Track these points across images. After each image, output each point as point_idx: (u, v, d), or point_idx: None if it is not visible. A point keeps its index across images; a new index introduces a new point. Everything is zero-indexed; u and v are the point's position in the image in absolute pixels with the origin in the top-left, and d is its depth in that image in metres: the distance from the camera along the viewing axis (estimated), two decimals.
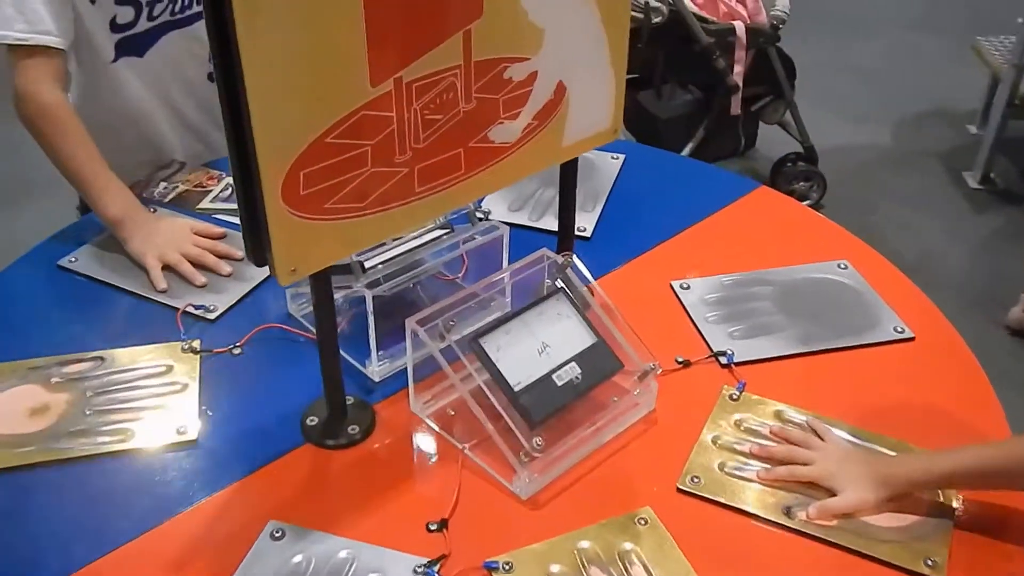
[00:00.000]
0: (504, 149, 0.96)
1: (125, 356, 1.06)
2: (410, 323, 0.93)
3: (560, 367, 0.94)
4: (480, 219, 1.36)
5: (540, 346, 0.95)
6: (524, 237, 1.29)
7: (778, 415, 0.98)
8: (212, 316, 1.13)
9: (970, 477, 0.86)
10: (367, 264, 1.03)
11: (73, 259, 1.22)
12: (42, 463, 0.92)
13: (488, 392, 0.90)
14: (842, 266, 1.21)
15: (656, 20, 2.38)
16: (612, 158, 1.49)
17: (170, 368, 1.05)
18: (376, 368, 1.04)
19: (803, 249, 1.26)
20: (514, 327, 0.95)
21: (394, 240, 1.06)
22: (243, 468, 0.93)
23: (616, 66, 1.02)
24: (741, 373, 1.04)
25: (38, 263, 1.22)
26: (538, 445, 0.88)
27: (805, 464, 0.89)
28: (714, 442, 0.94)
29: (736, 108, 2.51)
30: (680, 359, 1.06)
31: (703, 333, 1.10)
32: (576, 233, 1.30)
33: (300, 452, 0.95)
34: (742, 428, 0.96)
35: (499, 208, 1.36)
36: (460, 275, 1.18)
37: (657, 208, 1.38)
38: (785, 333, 1.10)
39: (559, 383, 0.93)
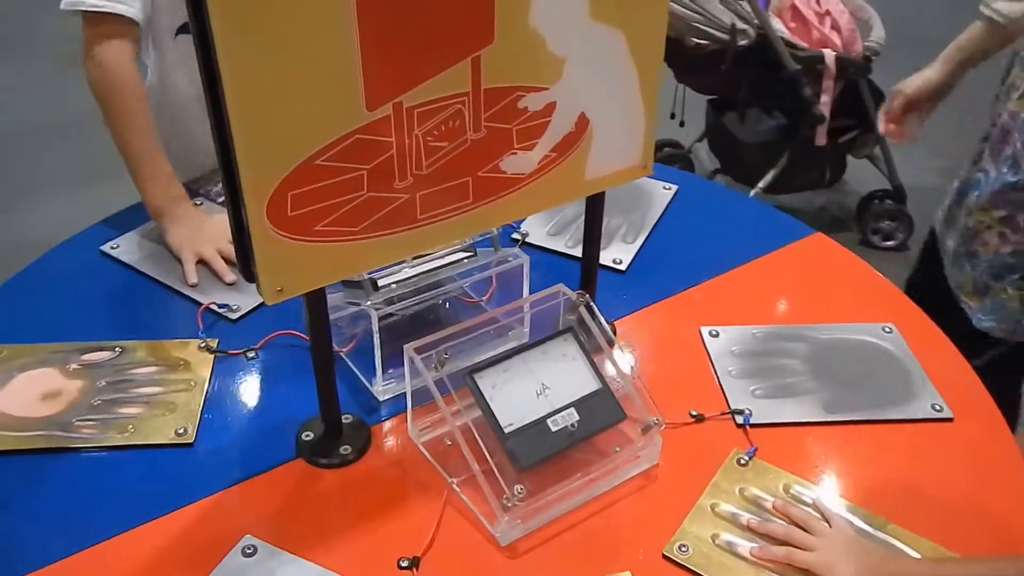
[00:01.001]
0: (518, 180, 0.92)
1: (144, 349, 1.08)
2: (408, 349, 0.91)
3: (557, 412, 0.91)
4: (516, 240, 1.34)
5: (539, 387, 0.92)
6: (557, 264, 1.26)
7: (786, 488, 0.92)
8: (234, 316, 1.14)
9: None
10: (381, 283, 1.01)
11: (115, 245, 1.25)
12: (40, 449, 0.94)
13: (475, 432, 0.87)
14: (887, 329, 1.13)
15: (742, 43, 2.29)
16: (664, 188, 1.44)
17: (184, 365, 1.06)
18: (380, 387, 1.03)
19: (848, 306, 1.18)
20: (513, 365, 0.92)
21: (415, 258, 1.05)
22: (232, 477, 0.93)
23: (647, 100, 0.96)
24: (756, 436, 0.98)
25: (84, 246, 1.26)
26: (519, 492, 0.85)
27: (804, 549, 0.83)
28: (712, 509, 0.89)
29: (821, 139, 2.39)
30: (694, 412, 1.01)
31: (723, 387, 1.04)
32: (611, 265, 1.26)
33: (291, 466, 0.95)
34: (745, 497, 0.91)
35: (538, 231, 1.33)
36: (485, 298, 1.15)
37: (702, 246, 1.32)
38: (810, 397, 1.03)
39: (553, 428, 0.90)
